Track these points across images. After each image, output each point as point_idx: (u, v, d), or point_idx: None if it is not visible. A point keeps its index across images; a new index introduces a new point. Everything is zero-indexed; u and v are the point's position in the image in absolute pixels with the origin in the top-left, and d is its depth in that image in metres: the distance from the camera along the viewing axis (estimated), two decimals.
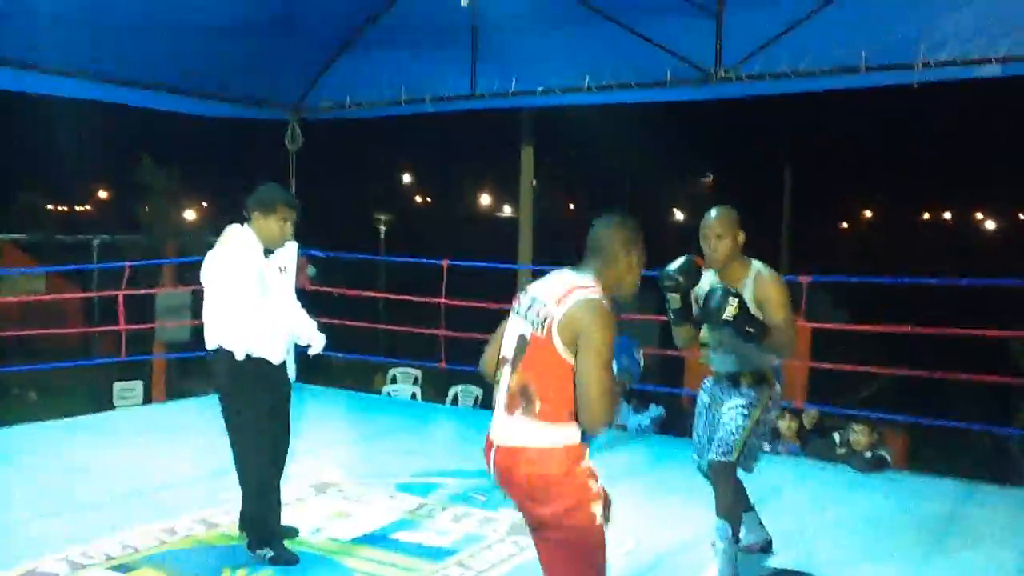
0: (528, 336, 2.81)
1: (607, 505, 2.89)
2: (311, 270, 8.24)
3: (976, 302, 10.34)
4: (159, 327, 9.92)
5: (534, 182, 11.44)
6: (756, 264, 3.94)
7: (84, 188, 36.29)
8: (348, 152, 24.19)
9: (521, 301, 2.93)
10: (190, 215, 23.21)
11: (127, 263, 8.31)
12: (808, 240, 23.86)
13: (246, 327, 4.04)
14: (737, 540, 3.94)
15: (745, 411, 3.90)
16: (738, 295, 3.75)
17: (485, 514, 4.82)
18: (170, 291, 9.81)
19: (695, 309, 4.01)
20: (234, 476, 5.25)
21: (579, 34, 7.09)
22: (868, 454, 6.00)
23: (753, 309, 3.80)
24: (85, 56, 6.68)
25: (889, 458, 6.05)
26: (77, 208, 38.50)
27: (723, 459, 3.89)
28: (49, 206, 32.49)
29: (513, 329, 2.90)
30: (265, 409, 4.14)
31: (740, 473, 4.02)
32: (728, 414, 3.94)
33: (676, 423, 8.86)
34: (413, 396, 10.29)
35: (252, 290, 4.06)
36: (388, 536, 4.51)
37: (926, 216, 41.34)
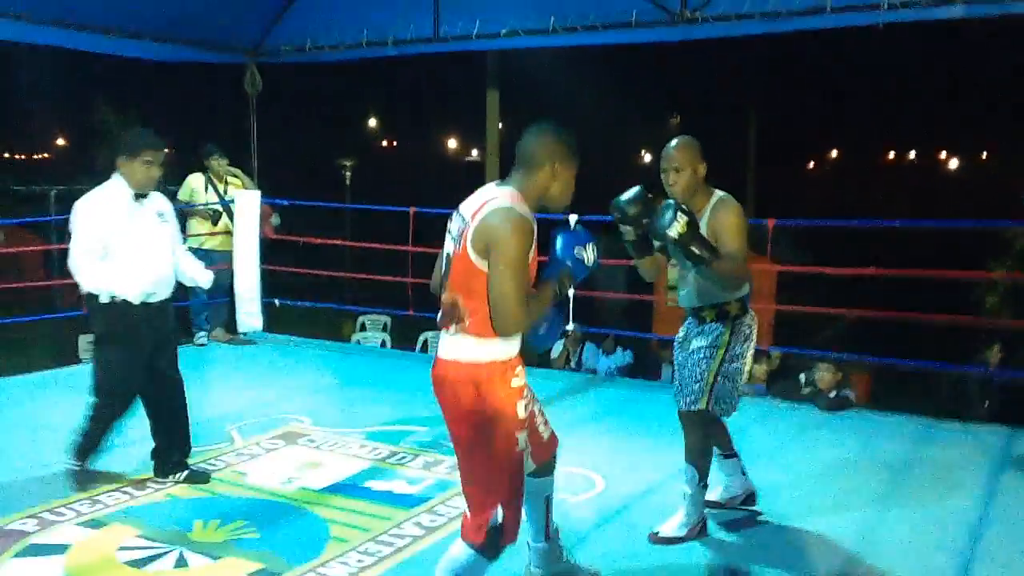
0: (452, 253, 2.89)
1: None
2: (275, 219, 8.16)
3: (941, 243, 10.46)
4: None
5: (500, 125, 11.35)
6: (719, 193, 3.81)
7: (42, 136, 35.44)
8: (311, 97, 23.81)
9: (452, 221, 2.97)
10: None
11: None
12: (775, 181, 23.94)
13: (105, 271, 4.23)
14: (705, 486, 3.94)
15: (709, 353, 3.80)
16: (689, 213, 3.60)
17: (456, 461, 4.84)
18: None
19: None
20: (206, 428, 5.29)
21: None
22: (832, 394, 6.10)
23: (708, 235, 3.68)
24: (39, 1, 6.50)
25: (852, 398, 6.15)
26: (35, 156, 37.64)
27: (690, 408, 3.86)
28: (6, 155, 31.73)
29: (444, 249, 2.98)
30: (130, 348, 4.32)
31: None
32: (692, 358, 3.86)
33: (645, 367, 8.95)
34: (383, 343, 10.30)
35: (111, 235, 4.23)
36: (360, 485, 4.53)
37: (891, 156, 41.60)
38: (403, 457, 4.94)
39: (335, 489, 4.47)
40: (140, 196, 4.34)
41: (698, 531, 3.92)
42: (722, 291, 3.79)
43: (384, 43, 7.92)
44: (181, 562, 3.67)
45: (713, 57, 18.09)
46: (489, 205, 2.81)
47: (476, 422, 2.88)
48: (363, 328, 10.72)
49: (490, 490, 2.93)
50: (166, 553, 3.73)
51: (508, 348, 2.90)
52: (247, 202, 7.66)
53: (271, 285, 8.08)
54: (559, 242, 2.97)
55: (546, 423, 3.23)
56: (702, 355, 3.83)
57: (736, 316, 3.82)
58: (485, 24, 7.43)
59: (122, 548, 3.78)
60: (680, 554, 3.81)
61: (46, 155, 37.85)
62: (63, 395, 6.21)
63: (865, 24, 6.49)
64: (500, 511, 2.92)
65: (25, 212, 11.38)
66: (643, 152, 33.71)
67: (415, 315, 8.38)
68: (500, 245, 2.74)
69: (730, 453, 4.22)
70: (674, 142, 3.81)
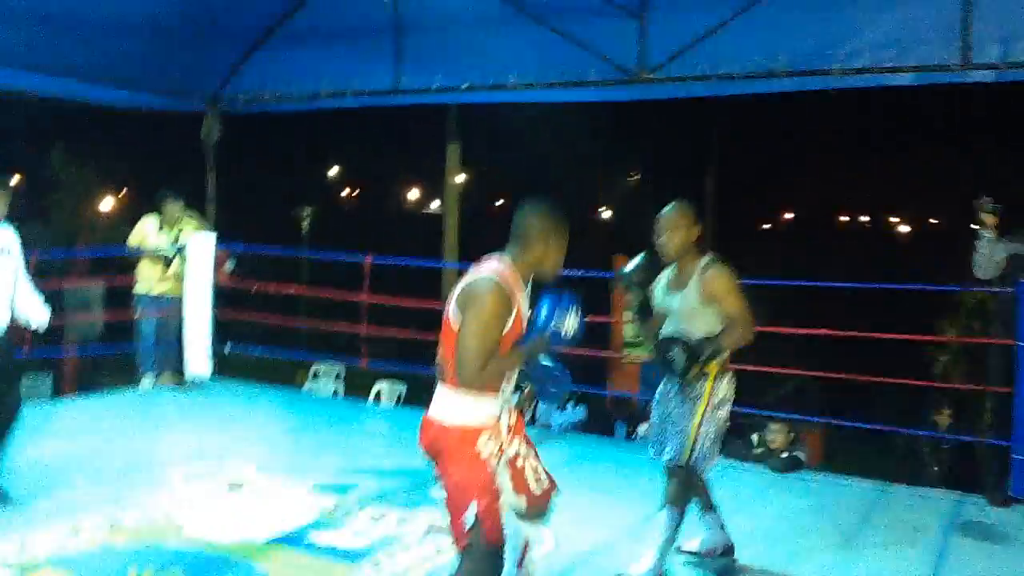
0: (443, 318, 3.09)
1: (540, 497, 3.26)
2: (230, 264, 8.06)
3: (893, 305, 10.61)
4: (69, 321, 9.55)
5: (461, 178, 11.40)
6: (706, 259, 3.99)
7: None
8: (271, 145, 23.76)
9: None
10: (106, 205, 22.49)
11: (33, 254, 7.98)
12: (731, 239, 24.26)
13: None
14: (678, 531, 4.04)
15: (691, 409, 3.96)
16: (684, 346, 3.87)
17: (403, 514, 4.76)
18: (80, 285, 9.48)
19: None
20: (146, 473, 5.17)
21: (504, 33, 7.08)
22: (784, 454, 6.09)
23: (700, 303, 3.90)
24: None
25: (804, 458, 6.15)
26: None
27: (674, 463, 4.01)
28: None
29: None
30: None
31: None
32: (675, 413, 4.02)
33: (597, 423, 8.90)
34: (335, 393, 10.15)
35: None
36: (304, 537, 4.41)
37: (844, 219, 42.44)
38: (349, 509, 4.82)
39: (278, 541, 4.34)
40: None
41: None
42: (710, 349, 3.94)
43: (343, 94, 7.93)
44: None
45: (673, 113, 18.41)
46: (474, 274, 3.05)
47: (443, 476, 3.08)
48: (316, 377, 10.55)
49: (458, 534, 3.08)
50: None
51: (480, 411, 3.05)
52: (201, 246, 7.57)
53: (224, 331, 7.95)
54: (543, 310, 3.10)
55: (539, 479, 3.31)
56: (684, 410, 3.98)
57: (716, 375, 3.98)
58: (445, 78, 7.48)
59: None
60: None
61: None
62: None
63: (816, 89, 6.64)
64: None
65: None
66: (601, 209, 34.02)
67: (369, 365, 8.29)
68: (474, 305, 2.97)
69: (709, 506, 4.30)
70: (668, 207, 4.04)
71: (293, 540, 4.36)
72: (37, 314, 4.63)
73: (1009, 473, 5.28)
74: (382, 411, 8.35)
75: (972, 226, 5.80)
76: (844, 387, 7.73)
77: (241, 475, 5.32)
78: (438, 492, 3.14)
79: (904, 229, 41.64)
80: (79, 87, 7.50)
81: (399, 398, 9.97)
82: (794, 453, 6.12)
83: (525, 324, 3.08)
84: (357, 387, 10.54)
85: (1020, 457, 5.18)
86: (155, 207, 7.72)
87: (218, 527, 4.46)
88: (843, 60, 6.09)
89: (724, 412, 4.02)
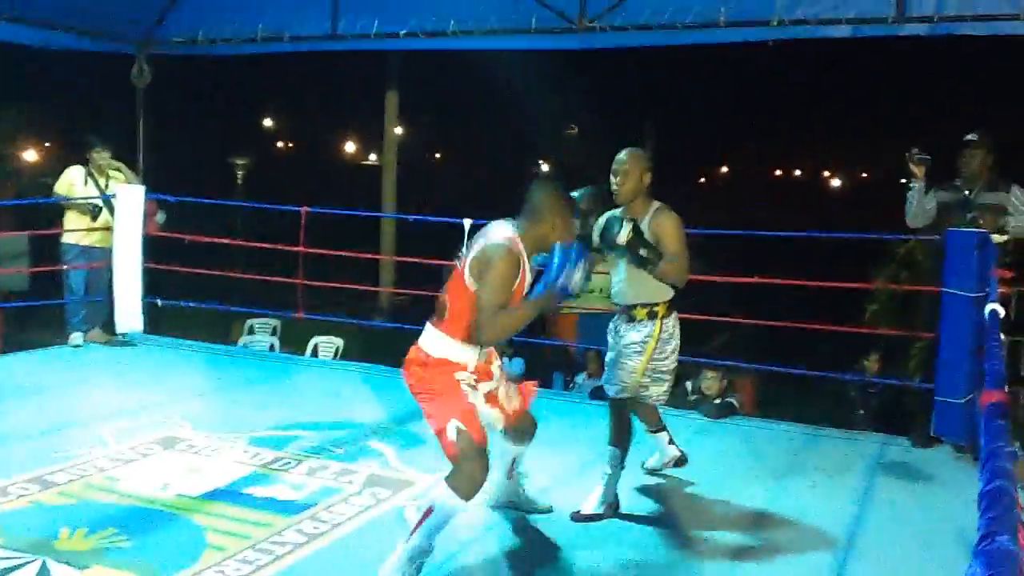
0: (453, 268, 3.53)
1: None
2: (161, 216, 7.87)
3: (825, 255, 10.82)
4: None
5: (399, 130, 11.26)
6: (657, 204, 4.23)
7: None
8: (204, 92, 23.15)
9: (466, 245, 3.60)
10: (31, 155, 21.79)
11: None
12: (668, 194, 24.44)
13: None
14: (623, 466, 4.27)
15: (639, 348, 4.18)
16: (633, 221, 4.05)
17: (342, 466, 4.75)
18: (5, 236, 9.18)
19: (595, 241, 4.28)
20: (77, 431, 5.07)
21: None
22: (717, 401, 6.21)
23: (649, 239, 4.08)
24: None
25: (737, 405, 6.28)
26: None
27: (617, 396, 4.26)
28: None
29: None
30: None
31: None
32: (625, 352, 4.23)
33: (536, 374, 8.95)
34: (271, 347, 10.05)
35: None
36: (240, 491, 4.37)
37: (778, 173, 43.02)
38: (287, 463, 4.79)
39: (214, 496, 4.29)
40: None
41: (614, 509, 4.19)
42: (655, 292, 4.18)
43: (280, 38, 7.75)
44: (43, 572, 3.46)
45: (613, 65, 18.38)
46: (490, 239, 3.44)
47: (422, 395, 3.52)
48: (251, 332, 10.43)
49: (447, 445, 3.44)
50: (27, 563, 3.51)
51: (461, 354, 3.48)
52: (130, 197, 7.37)
53: (155, 284, 7.78)
54: (554, 263, 3.40)
55: (510, 398, 3.75)
56: (633, 349, 4.19)
57: (663, 316, 4.20)
58: (384, 24, 7.35)
59: None
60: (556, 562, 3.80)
61: None
62: None
63: (756, 40, 6.68)
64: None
65: None
66: (540, 162, 33.90)
67: (305, 318, 8.18)
68: (489, 271, 3.36)
69: (658, 428, 4.57)
70: (625, 151, 4.25)
71: (230, 494, 4.32)
72: None
73: (931, 415, 5.46)
74: (319, 365, 8.29)
75: (903, 180, 5.91)
76: (778, 336, 7.88)
77: (175, 431, 5.24)
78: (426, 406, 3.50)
79: (836, 183, 42.39)
80: (2, 27, 7.19)
81: (337, 352, 9.91)
82: (727, 399, 6.24)
83: (528, 283, 3.50)
84: (293, 341, 10.46)
85: (941, 399, 5.35)
86: (82, 157, 7.48)
87: (152, 484, 4.40)
88: (782, 11, 6.16)
89: (671, 349, 4.26)
